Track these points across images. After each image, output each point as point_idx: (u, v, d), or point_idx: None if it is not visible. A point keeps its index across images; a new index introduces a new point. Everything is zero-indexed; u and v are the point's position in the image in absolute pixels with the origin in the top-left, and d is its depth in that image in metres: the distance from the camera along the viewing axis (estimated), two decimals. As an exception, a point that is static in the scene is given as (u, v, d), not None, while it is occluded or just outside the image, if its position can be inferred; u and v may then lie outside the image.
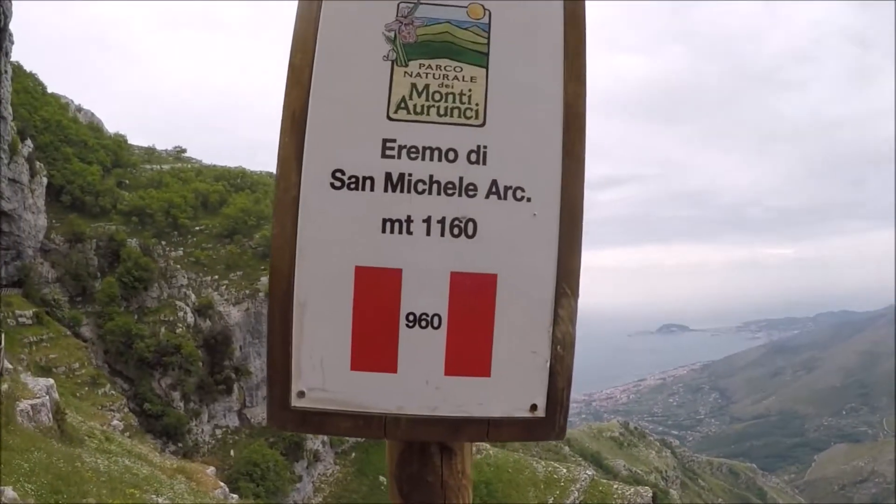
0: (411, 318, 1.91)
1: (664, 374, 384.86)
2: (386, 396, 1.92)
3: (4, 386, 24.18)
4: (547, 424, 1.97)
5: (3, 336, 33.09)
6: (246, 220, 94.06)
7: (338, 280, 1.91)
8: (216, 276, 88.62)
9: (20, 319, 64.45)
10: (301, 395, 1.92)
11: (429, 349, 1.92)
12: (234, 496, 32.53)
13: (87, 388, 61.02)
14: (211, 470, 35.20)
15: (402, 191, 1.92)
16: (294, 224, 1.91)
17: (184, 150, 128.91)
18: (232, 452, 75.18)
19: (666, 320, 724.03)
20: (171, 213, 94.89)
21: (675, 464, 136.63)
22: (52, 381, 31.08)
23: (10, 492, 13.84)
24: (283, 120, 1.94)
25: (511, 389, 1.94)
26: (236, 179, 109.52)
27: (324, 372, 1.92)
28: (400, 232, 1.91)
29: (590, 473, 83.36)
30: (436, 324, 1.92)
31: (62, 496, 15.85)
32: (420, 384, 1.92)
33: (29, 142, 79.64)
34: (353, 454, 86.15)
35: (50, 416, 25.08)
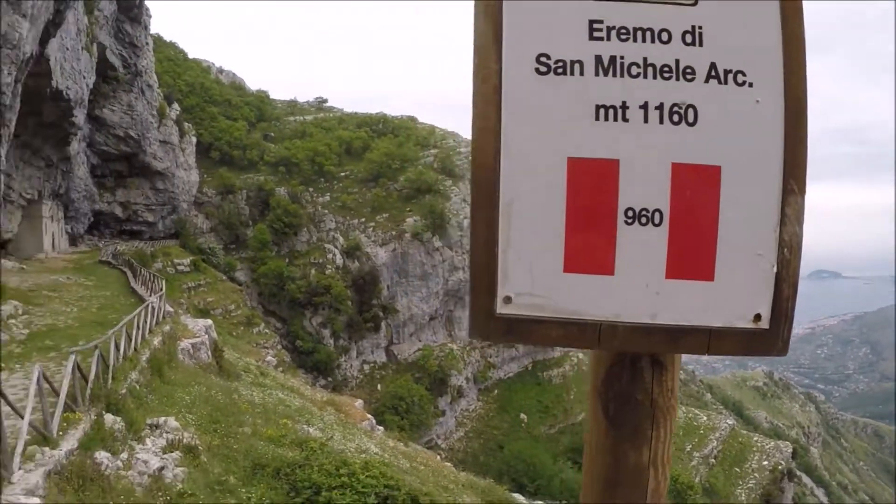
0: (630, 213, 1.73)
1: (813, 323, 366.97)
2: (602, 302, 1.75)
3: (167, 327, 25.84)
4: (770, 337, 1.76)
5: (164, 283, 35.41)
6: (390, 164, 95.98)
7: (549, 174, 1.74)
8: (363, 219, 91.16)
9: (179, 267, 68.66)
10: (507, 300, 1.77)
11: (649, 249, 1.74)
12: (380, 428, 33.58)
13: (242, 328, 64.66)
14: (359, 403, 36.47)
15: (614, 75, 1.72)
16: (497, 115, 1.73)
17: (325, 101, 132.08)
18: (379, 387, 77.88)
19: (817, 266, 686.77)
20: (316, 161, 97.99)
21: (819, 420, 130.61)
22: (210, 321, 33.06)
23: (172, 422, 14.75)
24: (476, 6, 1.76)
25: (734, 296, 1.74)
26: (378, 125, 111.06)
27: (533, 275, 1.76)
28: (615, 119, 1.72)
29: (730, 423, 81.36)
30: (657, 220, 1.73)
31: (220, 425, 16.75)
32: (639, 288, 1.74)
33: (176, 105, 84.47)
34: (496, 391, 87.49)
35: (209, 353, 26.64)
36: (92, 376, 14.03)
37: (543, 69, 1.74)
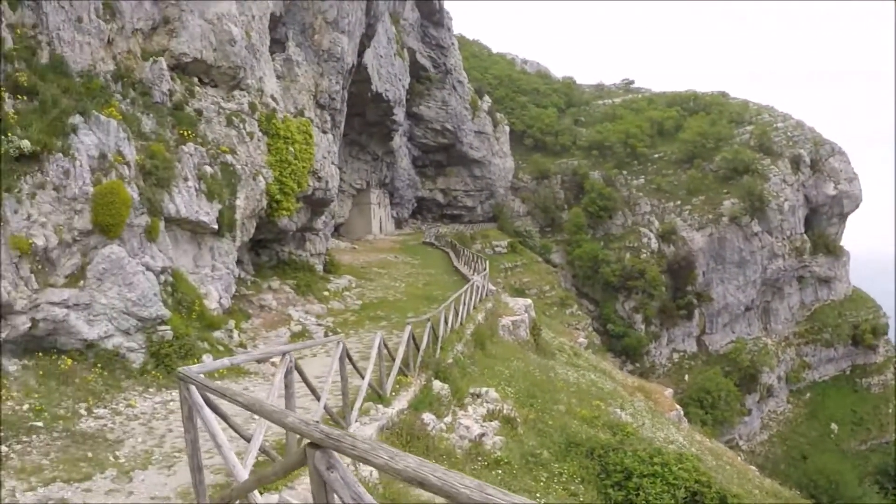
0: None
1: None
2: None
3: (489, 304, 27.14)
4: None
5: (487, 263, 37.38)
6: (704, 144, 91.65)
7: None
8: (678, 202, 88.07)
9: (496, 249, 72.23)
10: None
11: None
12: (685, 420, 32.48)
13: (555, 308, 65.99)
14: (669, 392, 35.41)
15: None
16: None
17: (631, 81, 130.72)
18: (686, 377, 75.06)
19: None
20: (628, 144, 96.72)
21: None
22: (529, 301, 34.20)
23: (492, 393, 15.35)
24: None
25: None
26: (688, 103, 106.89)
27: None
28: None
29: None
30: None
31: (536, 401, 17.11)
32: None
33: (487, 97, 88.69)
34: (808, 394, 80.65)
35: (527, 331, 27.42)
36: (423, 345, 15.15)
37: None
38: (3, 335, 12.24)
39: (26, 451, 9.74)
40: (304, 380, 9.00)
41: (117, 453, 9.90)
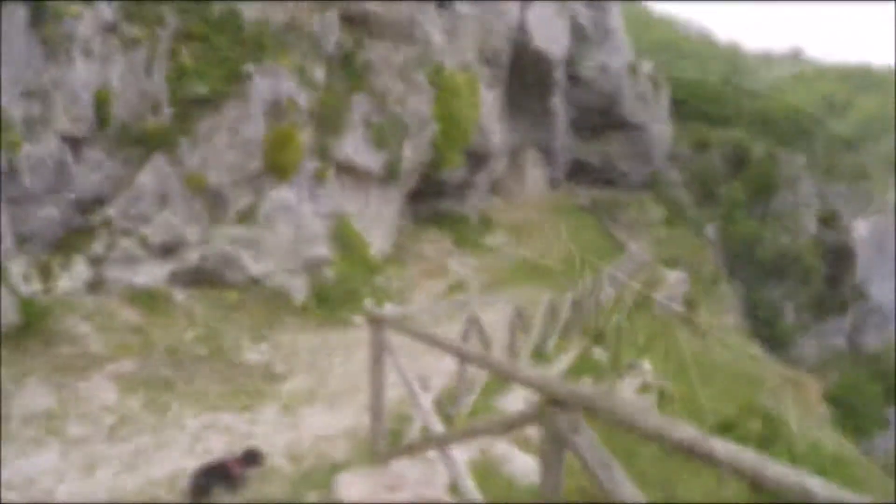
0: None
1: None
2: None
3: (645, 275, 26.52)
4: None
5: (644, 232, 36.70)
6: (876, 124, 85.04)
7: None
8: (844, 185, 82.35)
9: (650, 218, 70.06)
10: None
11: None
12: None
13: (705, 285, 63.40)
14: (817, 388, 33.67)
15: None
16: None
17: (801, 51, 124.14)
18: (830, 376, 70.48)
19: None
20: (793, 118, 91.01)
21: None
22: (684, 275, 33.11)
23: (647, 365, 14.94)
24: None
25: None
26: (860, 78, 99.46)
27: None
28: None
29: None
30: None
31: (689, 378, 16.62)
32: None
33: (647, 62, 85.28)
34: None
35: (680, 305, 26.62)
36: (586, 311, 14.86)
37: None
38: (174, 267, 12.81)
39: (192, 378, 10.09)
40: (481, 332, 8.87)
41: (280, 388, 10.11)
